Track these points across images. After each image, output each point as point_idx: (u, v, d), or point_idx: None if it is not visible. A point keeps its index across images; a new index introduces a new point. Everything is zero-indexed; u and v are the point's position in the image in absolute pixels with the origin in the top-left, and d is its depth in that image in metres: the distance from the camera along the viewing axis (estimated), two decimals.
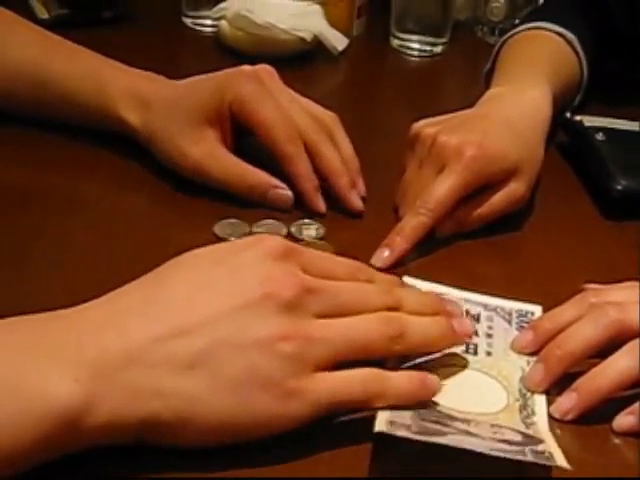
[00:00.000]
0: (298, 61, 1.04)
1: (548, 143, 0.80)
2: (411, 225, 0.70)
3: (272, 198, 0.73)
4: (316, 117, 0.76)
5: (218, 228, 0.70)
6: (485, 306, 0.63)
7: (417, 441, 0.48)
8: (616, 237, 0.76)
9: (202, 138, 0.74)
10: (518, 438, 0.51)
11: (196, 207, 0.74)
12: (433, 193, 0.70)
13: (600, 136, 0.83)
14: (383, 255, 0.69)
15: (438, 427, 0.50)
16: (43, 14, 1.09)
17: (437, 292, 0.63)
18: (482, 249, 0.73)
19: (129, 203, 0.74)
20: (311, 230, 0.71)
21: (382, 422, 0.49)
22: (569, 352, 0.57)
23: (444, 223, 0.72)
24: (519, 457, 0.48)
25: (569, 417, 0.55)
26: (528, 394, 0.56)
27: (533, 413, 0.55)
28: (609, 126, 0.86)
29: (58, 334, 0.47)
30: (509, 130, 0.76)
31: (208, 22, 1.11)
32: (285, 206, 0.73)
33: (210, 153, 0.74)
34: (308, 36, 1.04)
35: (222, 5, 1.06)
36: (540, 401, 0.56)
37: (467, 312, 0.62)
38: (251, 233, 0.70)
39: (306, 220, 0.72)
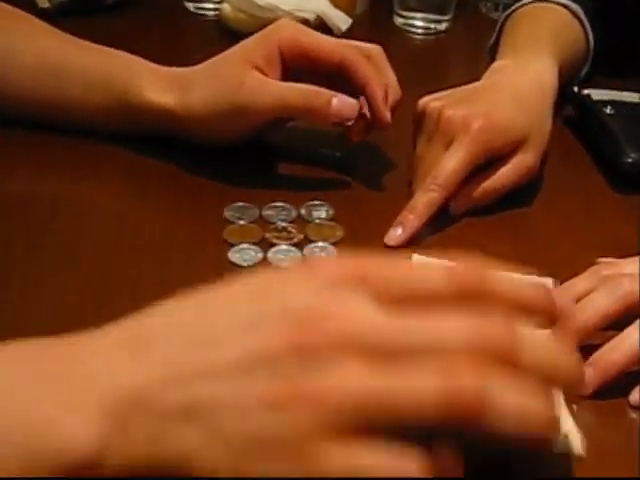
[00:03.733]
0: None
1: (555, 117, 0.79)
2: (422, 202, 0.70)
3: (337, 106, 0.72)
4: (361, 49, 0.76)
5: (228, 212, 0.70)
6: None
7: None
8: (626, 211, 0.76)
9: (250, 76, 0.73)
10: None
11: (205, 192, 0.74)
12: (442, 168, 0.70)
13: (609, 109, 0.83)
14: (396, 233, 0.69)
15: None
16: (44, 3, 1.08)
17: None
18: (491, 225, 0.73)
19: (139, 189, 0.74)
20: (321, 211, 0.71)
21: None
22: (583, 324, 0.57)
23: (456, 199, 0.72)
24: None
25: (585, 392, 0.55)
26: None
27: None
28: (617, 99, 0.85)
29: (79, 361, 0.41)
30: (515, 101, 0.75)
31: (210, 6, 1.10)
32: (351, 113, 0.72)
33: (261, 80, 0.73)
34: (311, 17, 1.03)
35: None
36: None
37: None
38: (261, 216, 0.70)
39: (316, 201, 0.72)
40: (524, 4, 0.93)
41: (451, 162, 0.70)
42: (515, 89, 0.77)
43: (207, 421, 0.39)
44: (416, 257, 0.64)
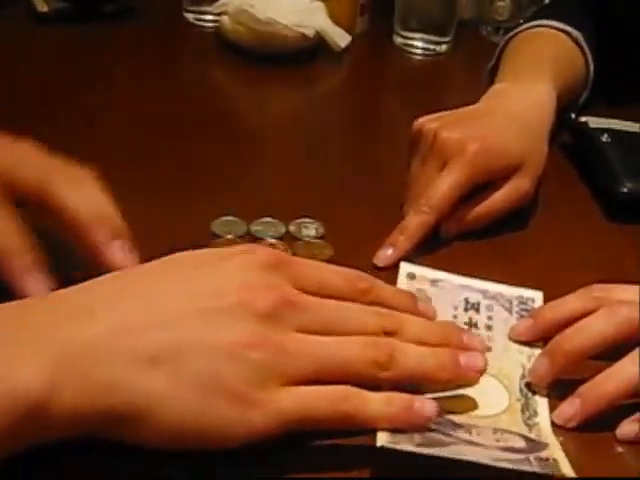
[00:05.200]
0: (300, 58, 1.03)
1: (553, 143, 0.79)
2: (414, 223, 0.69)
3: None
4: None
5: (215, 226, 0.69)
6: (485, 293, 0.62)
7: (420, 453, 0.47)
8: (621, 239, 0.75)
9: None
10: (522, 444, 0.50)
11: (193, 205, 0.73)
12: (436, 190, 0.69)
13: (605, 138, 0.82)
14: (386, 254, 0.68)
15: (440, 437, 0.48)
16: (43, 7, 1.07)
17: (435, 278, 0.63)
18: (485, 249, 0.72)
19: (124, 200, 0.73)
20: (310, 229, 0.70)
21: (383, 435, 0.48)
22: (577, 347, 0.55)
23: (448, 222, 0.71)
24: (525, 468, 0.47)
25: (571, 424, 0.54)
26: (529, 393, 0.55)
27: (535, 414, 0.54)
28: (614, 128, 0.84)
29: (28, 321, 0.45)
30: (512, 125, 0.75)
31: (209, 17, 1.09)
32: None
33: None
34: (310, 32, 1.03)
35: (224, 0, 1.05)
36: (542, 402, 0.55)
37: (467, 300, 0.61)
38: (249, 232, 0.69)
39: (305, 219, 0.71)
40: (525, 28, 0.92)
41: (445, 185, 0.69)
42: (512, 113, 0.76)
43: (174, 365, 0.45)
44: (404, 265, 0.64)
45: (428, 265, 0.67)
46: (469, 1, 1.18)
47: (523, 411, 0.54)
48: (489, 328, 0.60)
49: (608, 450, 0.54)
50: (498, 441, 0.50)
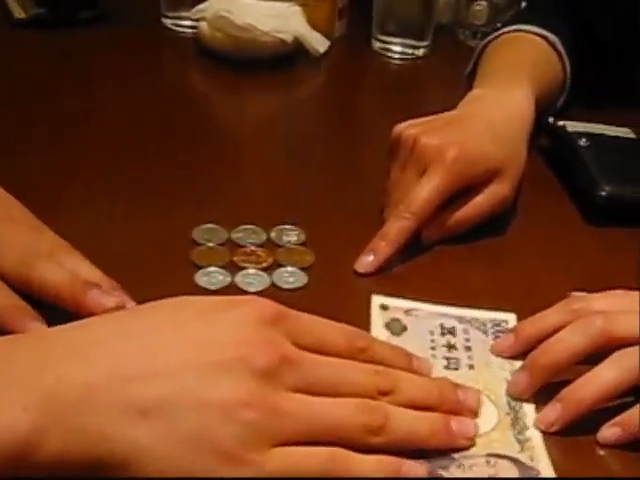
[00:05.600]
0: (278, 63, 1.03)
1: (531, 147, 0.79)
2: (395, 229, 0.69)
3: None
4: None
5: (196, 233, 0.69)
6: (460, 319, 0.63)
7: None
8: (600, 243, 0.76)
9: None
10: (514, 472, 0.50)
11: (173, 212, 0.72)
12: (416, 196, 0.70)
13: (583, 142, 0.83)
14: (367, 260, 0.68)
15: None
16: (20, 14, 1.07)
17: (409, 307, 0.63)
18: (465, 254, 0.72)
19: (106, 207, 0.73)
20: (292, 236, 0.70)
21: None
22: (554, 360, 0.56)
23: (429, 228, 0.71)
24: None
25: (553, 429, 0.54)
26: (517, 406, 0.56)
27: (526, 427, 0.54)
28: (592, 131, 0.85)
29: (16, 358, 0.45)
30: (491, 131, 0.75)
31: (187, 23, 1.09)
32: None
33: None
34: (289, 38, 1.03)
35: (201, 6, 1.04)
36: (531, 413, 0.55)
37: (442, 326, 0.61)
38: (229, 239, 0.69)
39: (287, 225, 0.71)
40: (502, 33, 0.93)
41: (425, 190, 0.70)
42: (490, 119, 0.76)
43: (166, 419, 0.44)
44: (375, 298, 0.64)
45: (407, 272, 0.68)
46: (446, 5, 1.18)
47: (514, 425, 0.54)
48: (468, 349, 0.60)
49: (590, 454, 0.54)
50: (490, 475, 0.50)
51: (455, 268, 0.70)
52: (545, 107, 0.88)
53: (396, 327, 0.61)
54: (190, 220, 0.70)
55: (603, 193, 0.77)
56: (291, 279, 0.65)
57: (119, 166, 0.79)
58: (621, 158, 0.82)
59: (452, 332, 0.61)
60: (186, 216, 0.71)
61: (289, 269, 0.66)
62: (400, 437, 0.49)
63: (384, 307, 0.63)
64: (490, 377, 0.57)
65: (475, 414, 0.54)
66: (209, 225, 0.70)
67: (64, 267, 0.58)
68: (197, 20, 1.05)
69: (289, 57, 1.05)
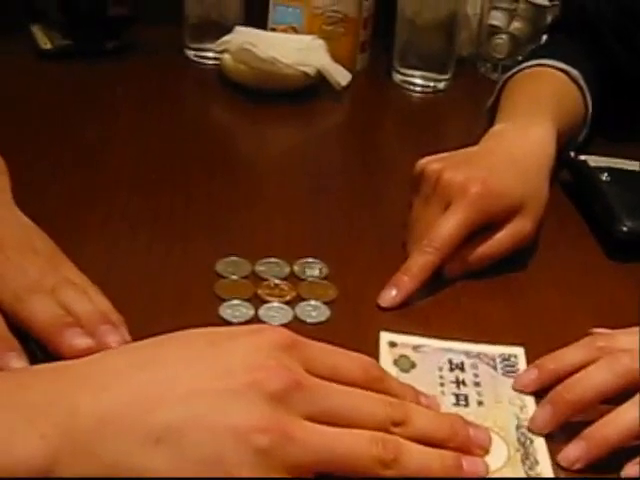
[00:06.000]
0: (301, 96, 1.04)
1: (552, 182, 0.79)
2: (418, 264, 0.69)
3: None
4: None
5: (220, 266, 0.69)
6: (467, 354, 0.63)
7: None
8: (621, 278, 0.75)
9: None
10: None
11: (197, 244, 0.73)
12: (439, 231, 0.70)
13: (605, 176, 0.83)
14: (391, 295, 0.68)
15: None
16: (46, 44, 1.09)
17: (417, 344, 0.63)
18: (486, 290, 0.72)
19: (127, 239, 0.74)
20: (314, 269, 0.70)
21: None
22: (580, 397, 0.56)
23: (451, 263, 0.71)
24: None
25: (576, 466, 0.54)
26: (527, 442, 0.55)
27: (537, 462, 0.54)
28: (614, 166, 0.85)
29: (36, 389, 0.46)
30: (514, 167, 0.75)
31: (211, 55, 1.10)
32: None
33: None
34: (311, 71, 1.03)
35: (225, 38, 1.05)
36: (541, 448, 0.55)
37: (450, 361, 0.62)
38: (253, 272, 0.69)
39: (309, 259, 0.71)
40: (523, 68, 0.93)
41: (448, 225, 0.70)
42: (513, 155, 0.77)
43: (179, 445, 0.44)
44: (384, 335, 0.63)
45: (432, 306, 0.68)
46: (467, 38, 1.19)
47: (524, 461, 0.54)
48: (477, 384, 0.60)
49: None
50: None
51: (476, 302, 0.70)
52: (566, 142, 0.88)
53: (405, 364, 0.61)
54: (213, 252, 0.71)
55: (624, 228, 0.77)
56: (314, 313, 0.66)
57: (140, 197, 0.79)
58: None
59: (461, 367, 0.61)
60: (209, 248, 0.72)
61: (312, 303, 0.67)
62: (411, 471, 0.49)
63: (392, 344, 0.63)
64: (500, 413, 0.57)
65: (486, 451, 0.54)
66: (232, 258, 0.70)
67: (63, 303, 0.59)
68: (220, 52, 1.06)
69: (311, 90, 1.05)
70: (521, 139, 0.79)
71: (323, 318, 0.65)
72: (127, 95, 1.02)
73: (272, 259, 0.71)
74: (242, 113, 1.02)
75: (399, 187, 0.78)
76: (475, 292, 0.71)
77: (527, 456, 0.54)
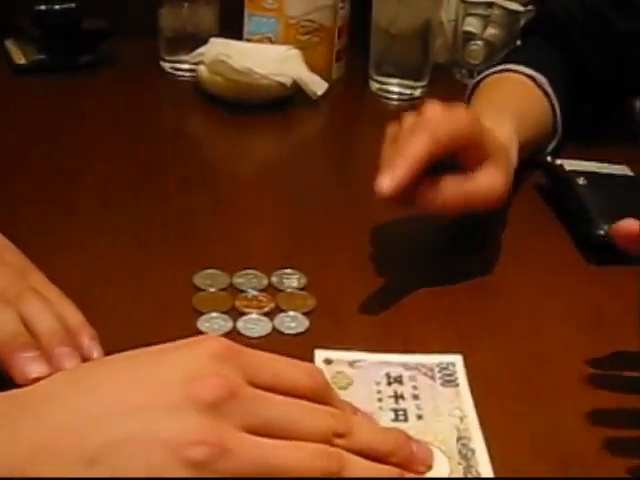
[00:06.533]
0: (277, 106, 1.04)
1: (528, 187, 0.79)
2: (409, 144, 0.67)
3: None
4: None
5: (197, 279, 0.69)
6: (405, 365, 0.61)
7: None
8: (598, 282, 0.76)
9: None
10: None
11: (174, 258, 0.73)
12: (422, 116, 0.69)
13: (581, 180, 0.83)
14: (387, 179, 0.65)
15: None
16: (20, 59, 1.08)
17: (353, 359, 0.61)
18: (462, 294, 0.72)
19: (104, 252, 0.73)
20: (293, 280, 0.70)
21: None
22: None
23: (428, 194, 0.68)
24: None
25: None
26: (469, 453, 0.55)
27: (479, 474, 0.53)
28: (590, 170, 0.85)
29: None
30: None
31: (186, 67, 1.10)
32: None
33: None
34: (287, 81, 1.03)
35: (200, 50, 1.05)
36: (483, 459, 0.54)
37: (388, 375, 0.60)
38: (231, 284, 0.69)
39: (287, 270, 0.71)
40: (491, 73, 0.93)
41: (429, 113, 0.69)
42: None
43: (112, 464, 0.44)
44: (318, 352, 0.62)
45: (409, 306, 0.68)
46: (443, 45, 1.19)
47: (466, 474, 0.53)
48: (416, 397, 0.59)
49: None
50: None
51: (452, 308, 0.70)
52: (532, 148, 0.88)
53: (341, 381, 0.60)
54: (190, 265, 0.71)
55: (601, 232, 0.77)
56: (293, 324, 0.65)
57: (117, 211, 0.79)
58: (619, 197, 0.82)
59: (399, 381, 0.60)
60: (186, 261, 0.72)
61: (291, 314, 0.66)
62: None
63: (328, 361, 0.61)
64: (440, 426, 0.57)
65: (428, 467, 0.53)
66: (210, 270, 0.70)
67: (25, 316, 0.57)
68: (196, 64, 1.06)
69: (288, 100, 1.05)
70: None
71: (302, 329, 0.65)
72: (103, 108, 1.02)
73: (250, 271, 0.70)
74: (219, 125, 1.02)
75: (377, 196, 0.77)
76: (451, 297, 0.71)
77: (469, 469, 0.53)
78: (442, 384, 0.60)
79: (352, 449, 0.49)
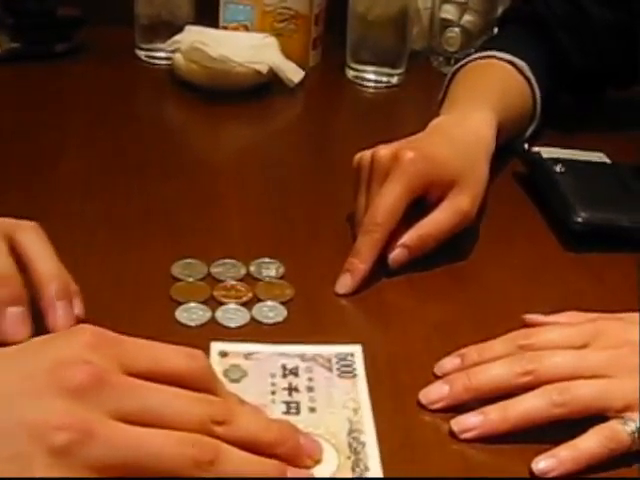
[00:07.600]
0: (254, 94, 1.03)
1: (506, 174, 0.79)
2: (365, 245, 0.69)
3: None
4: None
5: (175, 269, 0.69)
6: (302, 356, 0.61)
7: None
8: (576, 268, 0.76)
9: None
10: None
11: (151, 246, 0.72)
12: (379, 206, 0.70)
13: (559, 168, 0.83)
14: (346, 281, 0.68)
15: None
16: None
17: (248, 351, 0.60)
18: (441, 280, 0.72)
19: (82, 242, 0.73)
20: (271, 269, 0.70)
21: None
22: (475, 385, 0.57)
23: (394, 251, 0.71)
24: None
25: (470, 435, 0.55)
26: (359, 447, 0.54)
27: (367, 469, 0.52)
28: (568, 157, 0.85)
29: None
30: (449, 143, 0.75)
31: (162, 55, 1.10)
32: None
33: None
34: (263, 68, 1.03)
35: (176, 38, 1.05)
36: (373, 453, 0.53)
37: (284, 367, 0.59)
38: (209, 273, 0.69)
39: (266, 259, 0.71)
40: (471, 60, 0.93)
41: (386, 198, 0.70)
42: (451, 135, 0.77)
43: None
44: (214, 345, 0.61)
45: (387, 295, 0.68)
46: (420, 32, 1.19)
47: (354, 469, 0.52)
48: (310, 389, 0.58)
49: None
50: None
51: (429, 296, 0.70)
52: (514, 132, 0.89)
53: (235, 373, 0.58)
54: (168, 255, 0.70)
55: (579, 219, 0.77)
56: (271, 314, 0.65)
57: (94, 200, 0.79)
58: (596, 184, 0.83)
59: (295, 372, 0.59)
60: (164, 251, 0.71)
61: (269, 303, 0.66)
62: (228, 475, 0.47)
63: (223, 354, 0.60)
64: (332, 419, 0.56)
65: (316, 461, 0.52)
66: (188, 260, 0.70)
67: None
68: (172, 52, 1.06)
69: (264, 87, 1.05)
70: (458, 125, 0.79)
71: (280, 318, 0.65)
72: (79, 97, 1.01)
73: (228, 260, 0.70)
74: (195, 113, 1.02)
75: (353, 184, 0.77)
76: (428, 286, 0.71)
77: (357, 463, 0.53)
78: (339, 375, 0.59)
79: (232, 437, 0.48)
